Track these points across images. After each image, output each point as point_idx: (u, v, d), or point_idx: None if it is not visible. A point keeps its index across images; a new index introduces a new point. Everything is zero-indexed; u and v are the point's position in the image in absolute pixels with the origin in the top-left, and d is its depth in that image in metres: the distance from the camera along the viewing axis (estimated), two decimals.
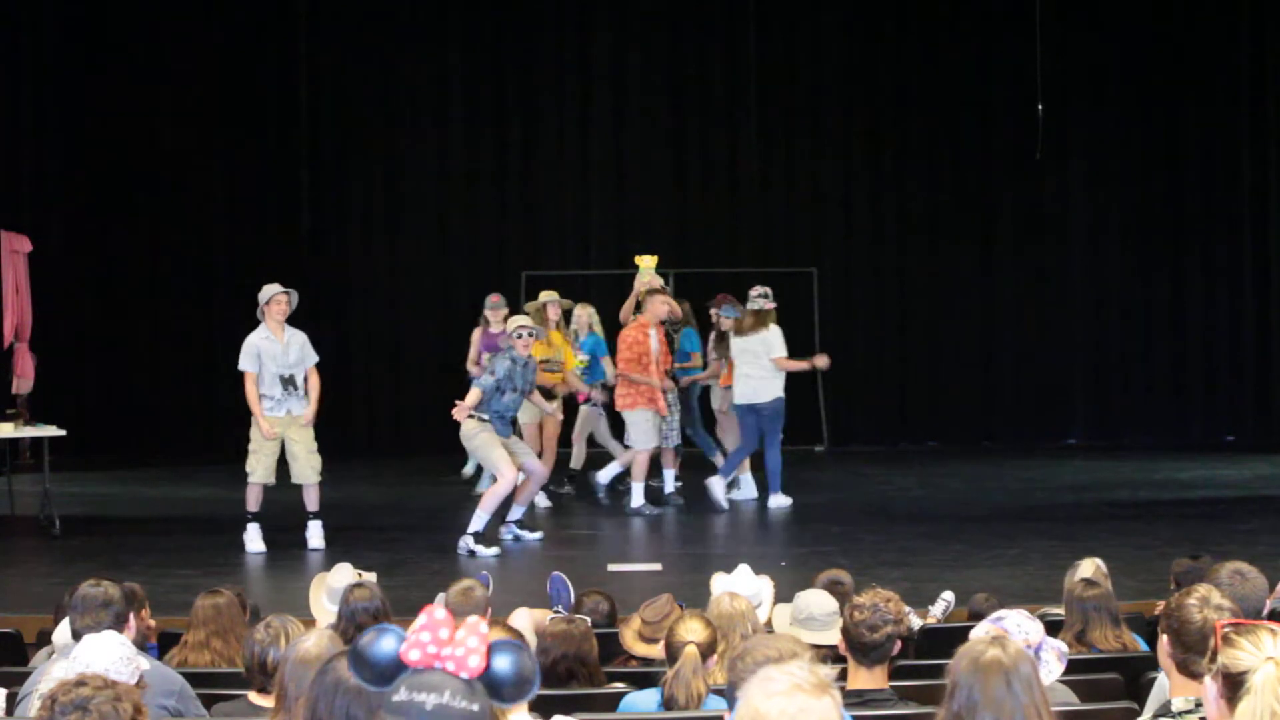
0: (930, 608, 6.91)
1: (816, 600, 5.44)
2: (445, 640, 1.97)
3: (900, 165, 16.40)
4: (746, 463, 11.86)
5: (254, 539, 9.86)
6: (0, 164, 15.31)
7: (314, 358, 9.96)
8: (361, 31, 16.03)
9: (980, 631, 3.58)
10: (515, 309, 12.24)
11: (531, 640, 5.22)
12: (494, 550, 9.67)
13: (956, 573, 8.58)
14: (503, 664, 1.98)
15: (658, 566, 9.26)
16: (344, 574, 6.13)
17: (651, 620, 5.45)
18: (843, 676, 4.41)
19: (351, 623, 5.18)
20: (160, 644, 6.04)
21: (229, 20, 15.78)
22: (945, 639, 5.33)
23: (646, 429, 11.23)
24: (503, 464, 9.67)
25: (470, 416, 9.71)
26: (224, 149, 15.86)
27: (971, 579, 8.23)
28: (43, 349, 13.25)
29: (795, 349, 11.58)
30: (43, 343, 13.33)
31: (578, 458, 12.42)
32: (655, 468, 11.61)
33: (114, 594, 4.78)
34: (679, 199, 16.24)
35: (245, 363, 9.77)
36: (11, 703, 4.62)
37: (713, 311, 12.44)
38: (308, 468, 9.86)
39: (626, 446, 11.82)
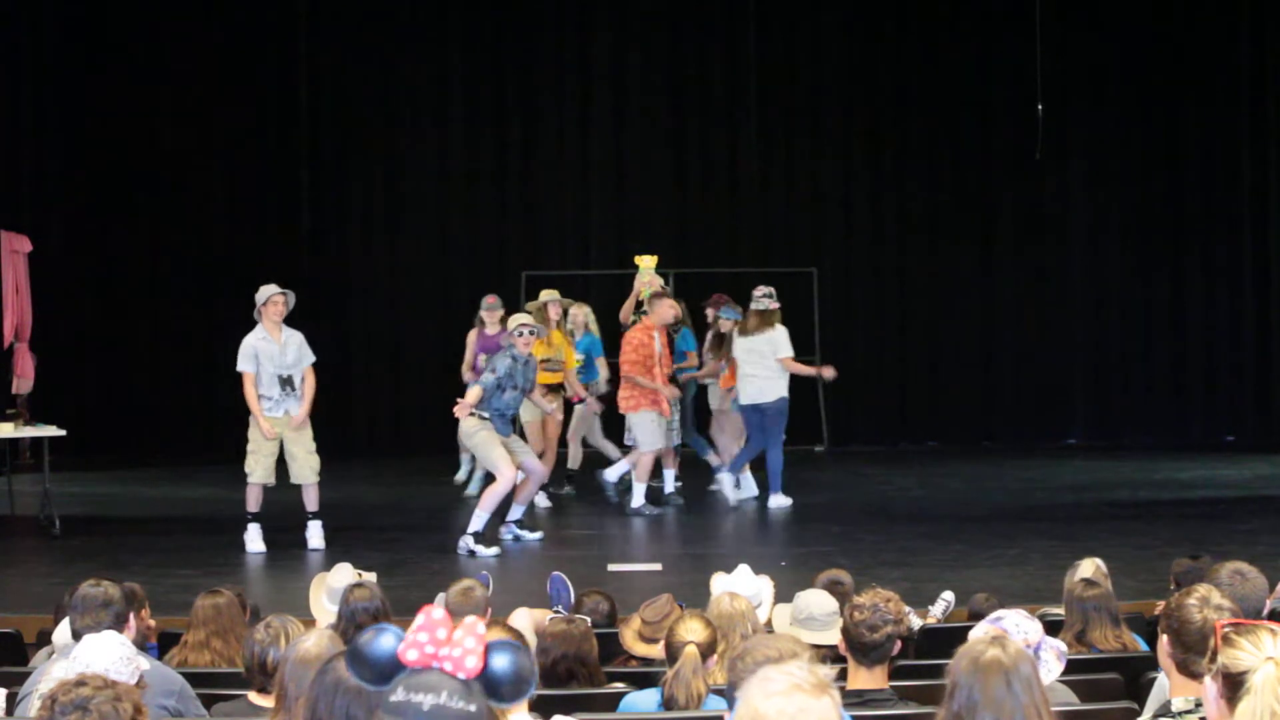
0: (930, 608, 6.91)
1: (816, 600, 5.44)
2: (443, 640, 1.97)
3: (900, 165, 16.40)
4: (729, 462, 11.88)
5: (254, 539, 9.86)
6: (0, 164, 15.31)
7: (311, 358, 9.96)
8: (361, 31, 16.03)
9: (979, 631, 3.58)
10: (515, 309, 12.23)
11: (531, 640, 5.22)
12: (494, 550, 9.67)
13: (956, 573, 8.58)
14: (500, 664, 1.98)
15: (658, 566, 9.26)
16: (344, 574, 6.13)
17: (651, 620, 5.45)
18: (843, 676, 4.41)
19: (351, 623, 5.18)
20: (160, 644, 6.04)
21: (229, 20, 15.78)
22: (945, 639, 5.32)
23: (652, 430, 11.22)
24: (502, 463, 9.67)
25: (471, 414, 9.72)
26: (224, 149, 15.86)
27: (971, 579, 8.23)
28: (43, 349, 13.26)
29: (795, 349, 11.57)
30: (43, 343, 13.34)
31: (574, 458, 12.41)
32: (655, 467, 11.60)
33: (114, 594, 4.78)
34: (679, 199, 16.24)
35: (243, 364, 9.78)
36: (11, 703, 4.62)
37: (709, 311, 12.44)
38: (306, 468, 9.86)
39: (626, 447, 11.82)
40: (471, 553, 9.58)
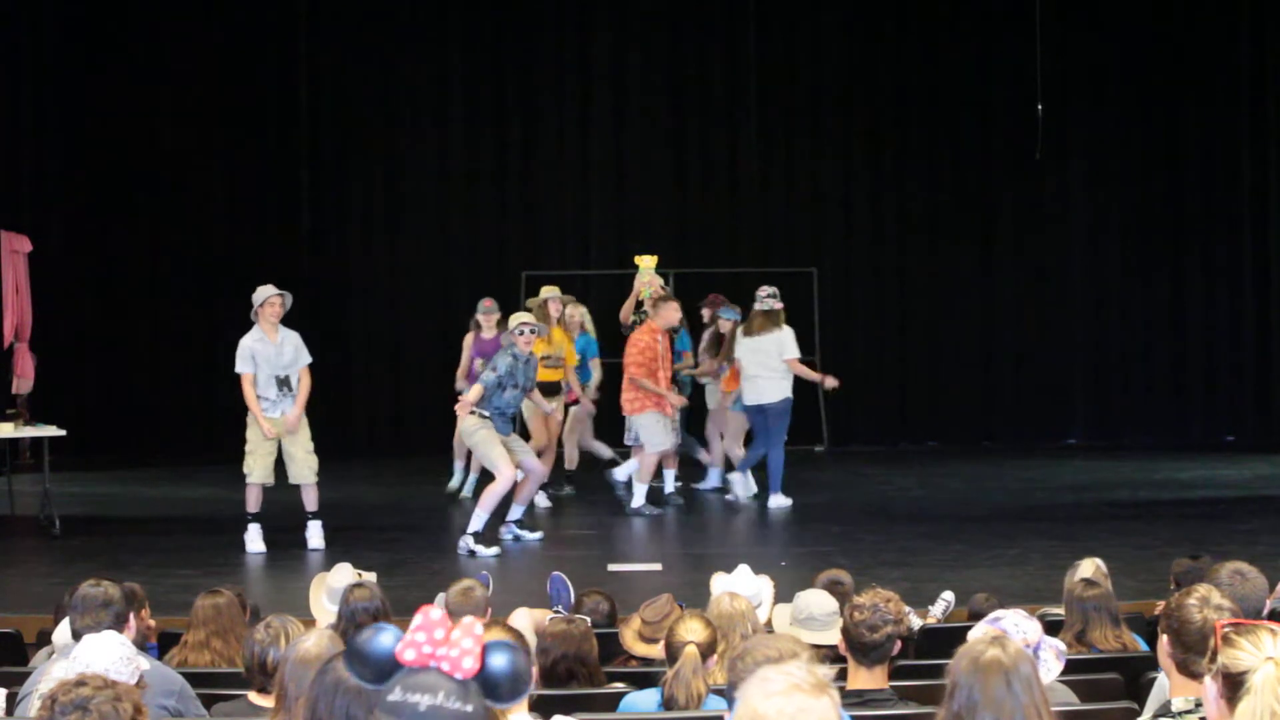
0: (930, 608, 6.91)
1: (816, 600, 5.44)
2: (440, 641, 1.97)
3: (900, 165, 16.39)
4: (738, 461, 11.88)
5: (254, 539, 9.86)
6: (0, 164, 15.31)
7: (308, 358, 9.95)
8: (361, 31, 16.03)
9: (979, 631, 3.58)
10: (515, 308, 12.21)
11: (531, 640, 5.22)
12: (494, 550, 9.67)
13: (956, 573, 8.58)
14: (497, 664, 1.98)
15: (658, 566, 9.26)
16: (344, 574, 6.13)
17: (651, 620, 5.45)
18: (842, 676, 4.40)
19: (351, 623, 5.18)
20: (160, 644, 6.04)
21: (229, 20, 15.77)
22: (945, 639, 5.32)
23: (658, 431, 11.22)
24: (501, 462, 9.66)
25: (471, 413, 9.72)
26: (224, 149, 15.85)
27: (971, 579, 8.23)
28: (43, 349, 13.26)
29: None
30: (43, 343, 13.34)
31: (571, 458, 12.40)
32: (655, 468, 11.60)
33: (114, 594, 4.78)
34: (679, 199, 16.23)
35: (241, 365, 9.78)
36: (11, 703, 4.62)
37: (705, 311, 12.44)
38: (305, 468, 9.86)
39: (626, 447, 11.82)
40: (471, 553, 9.58)
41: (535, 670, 4.82)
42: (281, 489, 9.98)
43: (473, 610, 5.35)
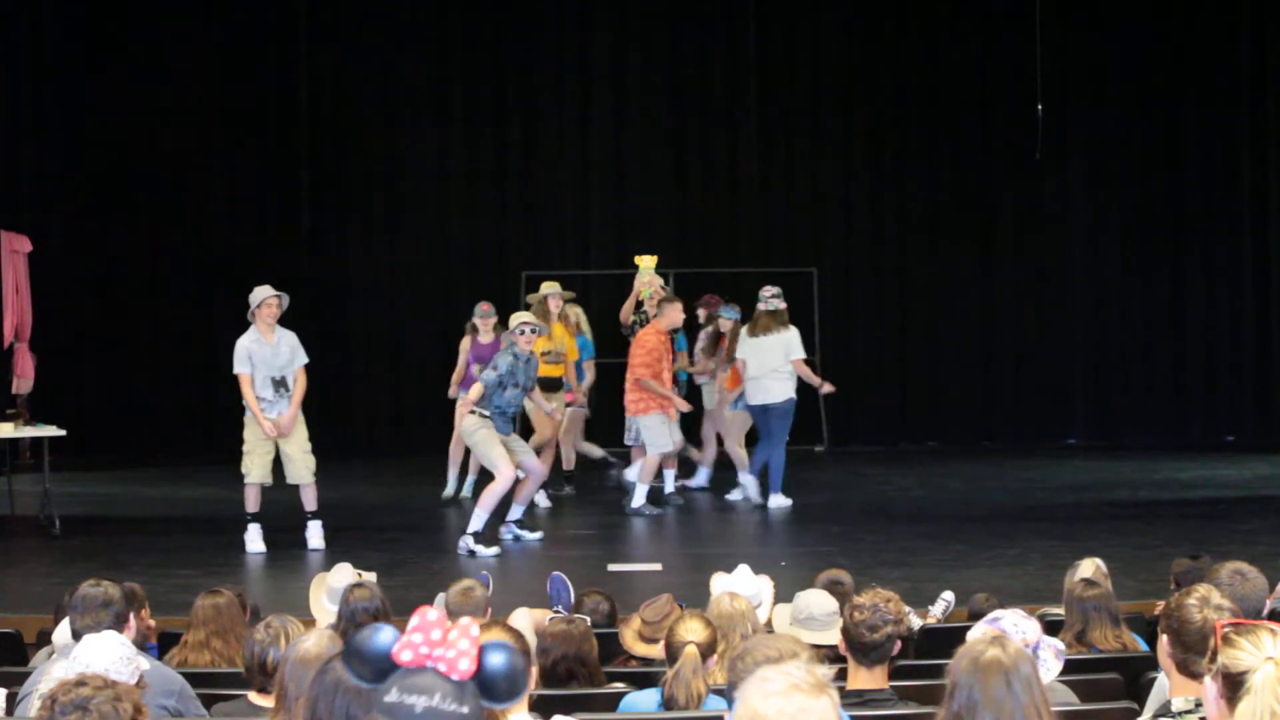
0: (930, 608, 6.91)
1: (816, 600, 5.44)
2: (437, 641, 1.97)
3: (900, 165, 16.39)
4: (746, 461, 11.85)
5: (254, 539, 9.86)
6: (0, 164, 15.31)
7: (304, 359, 9.94)
8: (361, 31, 16.03)
9: (978, 632, 3.58)
10: (515, 309, 12.21)
11: (531, 640, 5.21)
12: (494, 550, 9.67)
13: (956, 573, 8.58)
14: (494, 665, 1.97)
15: (658, 566, 9.26)
16: (344, 574, 6.13)
17: (651, 620, 5.45)
18: (842, 676, 4.40)
19: (351, 623, 5.18)
20: (160, 644, 6.04)
21: (229, 20, 15.78)
22: (945, 639, 5.32)
23: (661, 432, 11.21)
24: (501, 462, 9.66)
25: (472, 412, 9.72)
26: (224, 149, 15.86)
27: (971, 579, 8.23)
28: (43, 349, 13.26)
29: None
30: (43, 343, 13.34)
31: (568, 459, 12.39)
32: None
33: (114, 594, 4.78)
34: (679, 199, 16.24)
35: (239, 366, 9.78)
36: (11, 703, 4.62)
37: (701, 311, 12.44)
38: (302, 467, 9.86)
39: (625, 448, 11.82)
40: (471, 553, 9.58)
41: (535, 670, 4.82)
42: (281, 489, 9.98)
43: (472, 610, 5.35)
